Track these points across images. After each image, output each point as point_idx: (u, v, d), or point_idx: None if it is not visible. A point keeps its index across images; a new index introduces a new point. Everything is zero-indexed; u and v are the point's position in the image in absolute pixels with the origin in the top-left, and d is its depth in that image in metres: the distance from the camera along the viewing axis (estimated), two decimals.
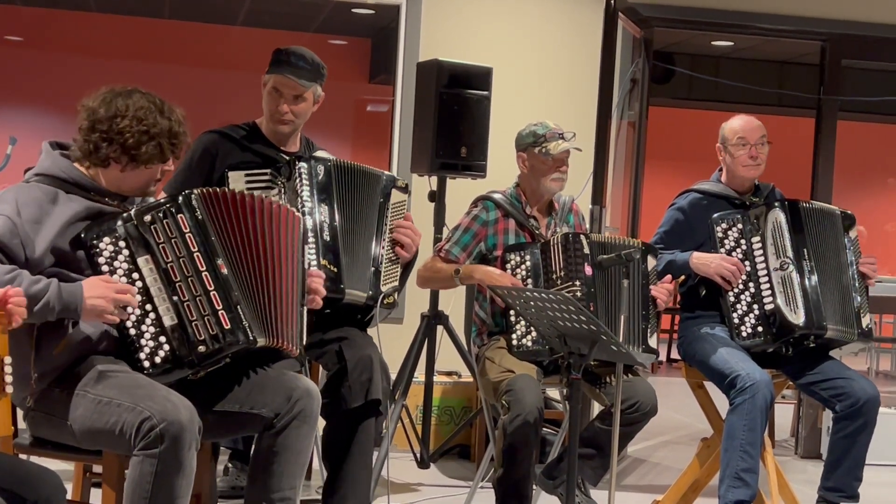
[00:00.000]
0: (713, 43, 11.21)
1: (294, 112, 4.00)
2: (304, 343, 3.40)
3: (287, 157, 3.95)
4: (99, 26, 10.67)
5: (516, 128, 4.44)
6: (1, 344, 2.79)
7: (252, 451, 3.38)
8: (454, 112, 4.96)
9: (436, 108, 4.94)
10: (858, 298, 4.41)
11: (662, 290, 4.24)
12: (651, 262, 4.26)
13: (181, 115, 3.21)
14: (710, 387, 4.44)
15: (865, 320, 4.42)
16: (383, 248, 3.94)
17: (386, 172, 4.08)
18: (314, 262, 3.71)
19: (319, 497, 3.89)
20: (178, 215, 3.10)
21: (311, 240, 3.74)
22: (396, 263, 3.99)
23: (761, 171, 4.53)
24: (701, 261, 4.38)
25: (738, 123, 4.53)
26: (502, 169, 5.02)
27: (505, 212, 4.36)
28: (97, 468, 3.25)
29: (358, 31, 10.82)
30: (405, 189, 4.09)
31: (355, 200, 3.90)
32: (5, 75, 10.69)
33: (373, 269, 3.90)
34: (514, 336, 4.11)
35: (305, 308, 3.41)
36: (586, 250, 4.12)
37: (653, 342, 4.20)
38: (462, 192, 5.09)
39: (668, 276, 4.30)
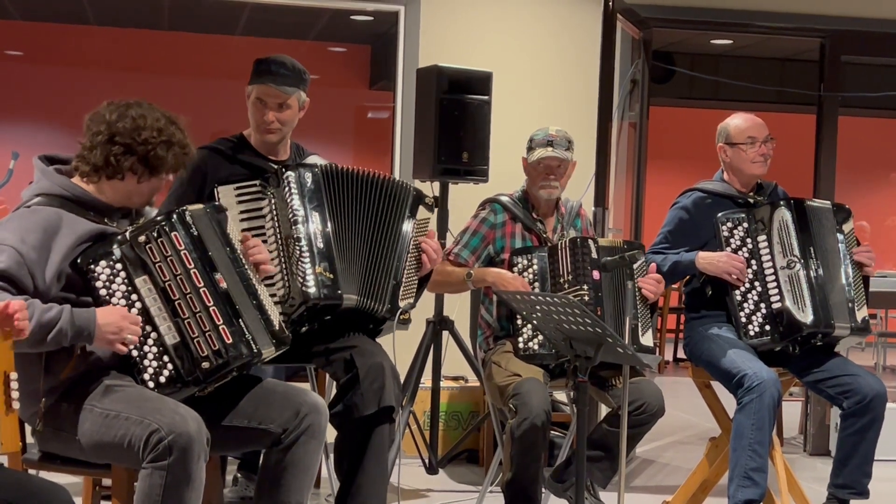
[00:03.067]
0: (712, 42, 11.21)
1: (280, 120, 3.95)
2: (277, 325, 3.33)
3: (276, 167, 3.93)
4: (99, 39, 10.68)
5: (517, 132, 4.44)
6: (8, 360, 2.79)
7: (260, 466, 3.37)
8: (455, 117, 4.96)
9: (436, 114, 4.94)
10: (852, 292, 4.39)
11: (649, 282, 4.21)
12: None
13: (184, 125, 3.21)
14: (718, 386, 4.43)
15: (861, 313, 4.39)
16: (406, 262, 3.92)
17: (414, 187, 4.02)
18: (309, 270, 3.69)
19: None
20: (173, 233, 3.08)
21: (304, 248, 3.72)
22: (416, 278, 3.97)
23: (767, 169, 4.52)
24: (707, 260, 4.37)
25: (743, 122, 4.50)
26: (504, 173, 5.01)
27: (512, 215, 4.35)
28: (106, 482, 3.25)
29: (357, 38, 10.84)
30: (431, 207, 4.04)
31: (350, 204, 3.86)
32: (6, 90, 10.71)
33: (393, 282, 3.86)
34: (520, 340, 4.10)
35: (262, 290, 3.35)
36: (594, 255, 4.12)
37: (646, 340, 4.15)
38: (465, 197, 5.09)
39: (653, 266, 4.26)
